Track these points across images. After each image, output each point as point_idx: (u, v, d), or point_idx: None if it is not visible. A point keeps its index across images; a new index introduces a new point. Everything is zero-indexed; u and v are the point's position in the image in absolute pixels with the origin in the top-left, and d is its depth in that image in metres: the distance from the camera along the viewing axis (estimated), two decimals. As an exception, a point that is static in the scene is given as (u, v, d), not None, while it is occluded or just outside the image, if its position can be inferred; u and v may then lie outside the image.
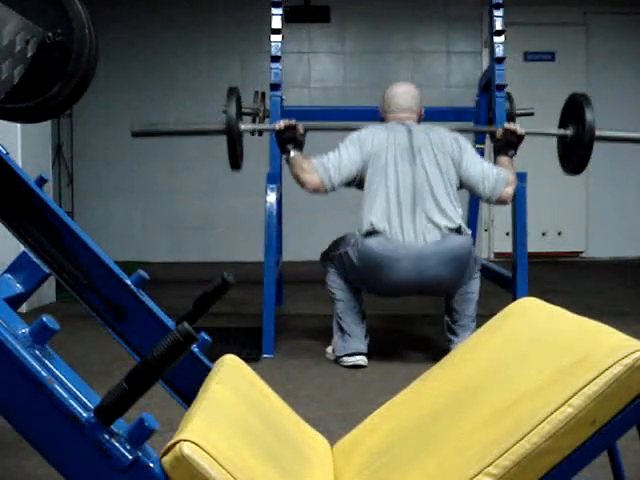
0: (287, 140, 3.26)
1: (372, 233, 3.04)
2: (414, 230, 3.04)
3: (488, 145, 4.77)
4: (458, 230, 3.06)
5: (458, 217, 3.10)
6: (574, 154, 3.54)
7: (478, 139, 4.60)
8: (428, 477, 1.14)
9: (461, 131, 3.45)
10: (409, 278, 3.02)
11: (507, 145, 3.36)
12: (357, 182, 3.21)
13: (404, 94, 3.34)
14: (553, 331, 1.34)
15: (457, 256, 3.04)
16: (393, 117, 3.30)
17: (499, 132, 3.42)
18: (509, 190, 3.20)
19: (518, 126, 3.40)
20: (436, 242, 3.03)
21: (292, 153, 3.22)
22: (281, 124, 3.28)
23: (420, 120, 3.35)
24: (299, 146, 3.26)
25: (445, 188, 3.11)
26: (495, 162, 3.34)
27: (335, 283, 3.24)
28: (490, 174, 3.18)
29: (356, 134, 3.23)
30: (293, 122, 3.27)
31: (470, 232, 3.21)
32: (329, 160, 3.17)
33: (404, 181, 3.10)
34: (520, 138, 3.37)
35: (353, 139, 3.21)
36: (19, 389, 0.96)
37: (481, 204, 5.11)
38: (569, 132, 3.56)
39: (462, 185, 3.21)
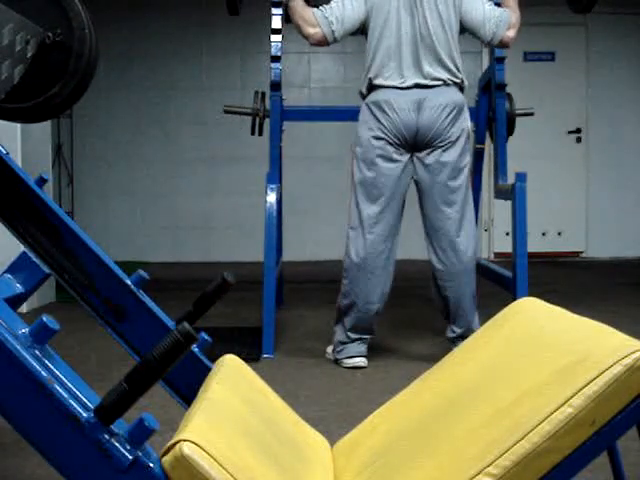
0: None
1: (372, 88, 3.08)
2: (414, 82, 3.05)
3: (488, 145, 4.77)
4: (460, 85, 3.10)
5: (459, 71, 3.11)
6: None
7: (478, 139, 4.59)
8: (428, 477, 1.14)
9: None
10: (408, 119, 3.02)
11: None
12: (361, 31, 3.19)
13: None
14: (553, 331, 1.34)
15: (456, 104, 3.06)
16: None
17: None
18: (511, 33, 3.17)
19: None
20: (436, 90, 3.05)
21: None
22: None
23: None
24: None
25: (446, 40, 3.09)
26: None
27: (349, 277, 3.17)
28: (492, 16, 3.15)
29: None
30: None
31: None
32: (332, 12, 3.12)
33: (406, 33, 3.08)
34: None
35: None
36: (19, 389, 0.96)
37: (481, 204, 5.11)
38: None
39: (463, 29, 3.17)
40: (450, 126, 3.07)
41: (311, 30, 3.13)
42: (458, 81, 3.10)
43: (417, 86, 3.06)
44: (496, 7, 3.19)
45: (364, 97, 3.18)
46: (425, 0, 3.09)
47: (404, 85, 3.06)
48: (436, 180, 3.12)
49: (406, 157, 3.12)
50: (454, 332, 3.21)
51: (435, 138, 3.07)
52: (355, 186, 3.17)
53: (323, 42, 3.16)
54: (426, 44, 3.07)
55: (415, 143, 3.09)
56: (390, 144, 3.09)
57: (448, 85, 3.08)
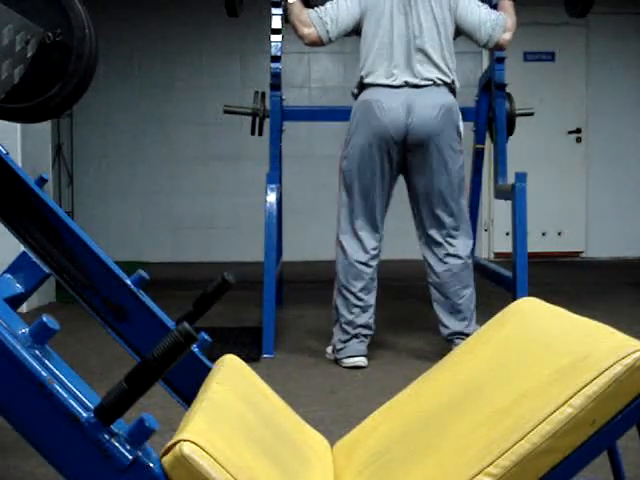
0: None
1: (364, 87, 3.10)
2: (404, 80, 3.06)
3: (488, 145, 4.77)
4: (451, 86, 3.10)
5: (451, 71, 3.12)
6: None
7: (478, 139, 4.60)
8: (428, 477, 1.14)
9: None
10: (398, 120, 3.02)
11: None
12: (356, 32, 3.22)
13: None
14: (553, 331, 1.34)
15: (447, 106, 3.06)
16: None
17: None
18: (507, 36, 3.19)
19: None
20: (427, 90, 3.05)
21: None
22: None
23: None
24: None
25: (439, 41, 3.11)
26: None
27: (343, 278, 3.18)
28: (487, 20, 3.17)
29: None
30: None
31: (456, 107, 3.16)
32: (327, 13, 3.17)
33: (398, 33, 3.10)
34: None
35: None
36: (19, 389, 0.96)
37: (481, 204, 5.12)
38: None
39: (459, 32, 3.19)
40: (441, 126, 3.06)
41: (306, 30, 3.18)
42: (449, 81, 3.10)
43: (407, 84, 3.07)
44: (492, 11, 3.21)
45: (355, 97, 3.19)
46: (420, 1, 3.12)
47: (394, 83, 3.07)
48: (429, 185, 3.13)
49: (397, 160, 3.14)
50: (451, 331, 3.21)
51: (425, 139, 3.07)
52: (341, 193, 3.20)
53: (317, 42, 3.20)
54: (418, 43, 3.09)
55: (405, 144, 3.09)
56: (380, 150, 3.09)
57: (438, 85, 3.08)
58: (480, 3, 3.23)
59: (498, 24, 3.16)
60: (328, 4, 3.18)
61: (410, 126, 3.04)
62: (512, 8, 3.26)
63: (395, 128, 3.05)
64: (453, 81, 3.12)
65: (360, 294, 3.17)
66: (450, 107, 3.09)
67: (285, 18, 3.44)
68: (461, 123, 3.16)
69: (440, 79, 3.08)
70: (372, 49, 3.13)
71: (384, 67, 3.10)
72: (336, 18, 3.16)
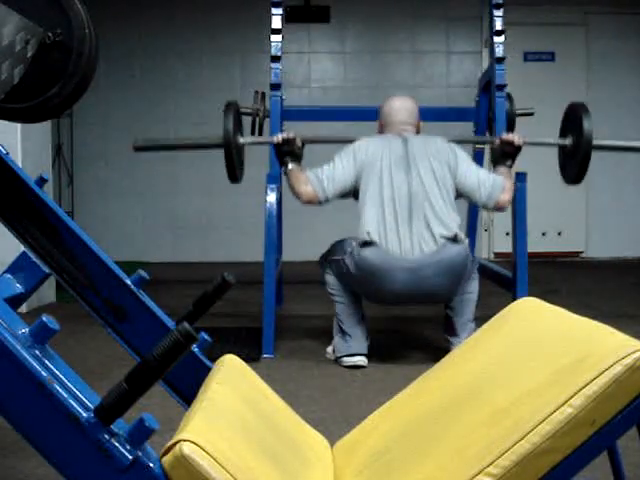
0: (285, 153, 3.27)
1: (368, 243, 3.03)
2: (410, 240, 3.04)
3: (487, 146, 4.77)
4: (454, 239, 3.05)
5: (454, 225, 3.09)
6: (573, 163, 3.54)
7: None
8: (428, 477, 1.14)
9: (459, 142, 3.44)
10: (406, 289, 3.02)
11: (504, 156, 3.37)
12: (353, 193, 3.23)
13: (401, 108, 3.35)
14: (553, 331, 1.34)
15: (453, 266, 3.03)
16: (390, 129, 3.32)
17: (496, 142, 3.43)
18: (505, 197, 3.22)
19: (516, 136, 3.38)
20: (432, 253, 3.02)
21: (290, 166, 3.25)
22: (279, 138, 3.29)
23: (418, 131, 3.37)
24: (297, 159, 3.27)
25: (441, 195, 3.11)
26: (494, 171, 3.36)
27: (334, 285, 3.24)
28: (486, 181, 3.20)
29: (351, 146, 3.25)
30: (291, 135, 3.28)
31: (467, 240, 3.15)
32: (323, 172, 3.19)
33: (399, 189, 3.10)
34: (518, 149, 3.37)
35: (348, 150, 3.23)
36: (19, 389, 0.96)
37: (481, 204, 5.11)
38: (568, 142, 3.54)
39: (459, 194, 3.22)
40: (450, 289, 3.09)
41: (302, 188, 3.18)
42: (451, 236, 3.04)
43: (411, 240, 3.03)
44: (489, 173, 3.28)
45: (358, 248, 3.06)
46: (419, 159, 3.14)
47: (401, 245, 3.03)
48: None
49: None
50: (453, 332, 3.22)
51: (435, 299, 3.18)
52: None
53: (314, 200, 3.20)
54: (420, 198, 3.08)
55: (409, 301, 3.19)
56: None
57: (443, 243, 3.03)
58: (478, 166, 3.31)
59: (496, 185, 3.19)
60: (325, 165, 3.21)
61: (418, 293, 3.04)
62: (508, 172, 3.31)
63: (402, 296, 3.07)
64: (456, 234, 3.05)
65: (357, 302, 3.23)
66: (455, 262, 3.03)
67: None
68: (471, 256, 3.18)
69: (443, 235, 3.03)
70: (373, 205, 3.09)
71: (388, 226, 3.05)
72: (332, 177, 3.17)
